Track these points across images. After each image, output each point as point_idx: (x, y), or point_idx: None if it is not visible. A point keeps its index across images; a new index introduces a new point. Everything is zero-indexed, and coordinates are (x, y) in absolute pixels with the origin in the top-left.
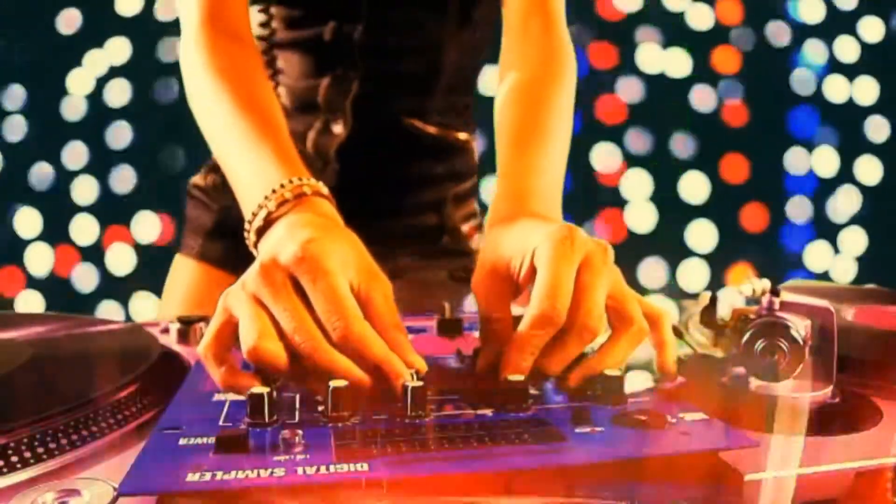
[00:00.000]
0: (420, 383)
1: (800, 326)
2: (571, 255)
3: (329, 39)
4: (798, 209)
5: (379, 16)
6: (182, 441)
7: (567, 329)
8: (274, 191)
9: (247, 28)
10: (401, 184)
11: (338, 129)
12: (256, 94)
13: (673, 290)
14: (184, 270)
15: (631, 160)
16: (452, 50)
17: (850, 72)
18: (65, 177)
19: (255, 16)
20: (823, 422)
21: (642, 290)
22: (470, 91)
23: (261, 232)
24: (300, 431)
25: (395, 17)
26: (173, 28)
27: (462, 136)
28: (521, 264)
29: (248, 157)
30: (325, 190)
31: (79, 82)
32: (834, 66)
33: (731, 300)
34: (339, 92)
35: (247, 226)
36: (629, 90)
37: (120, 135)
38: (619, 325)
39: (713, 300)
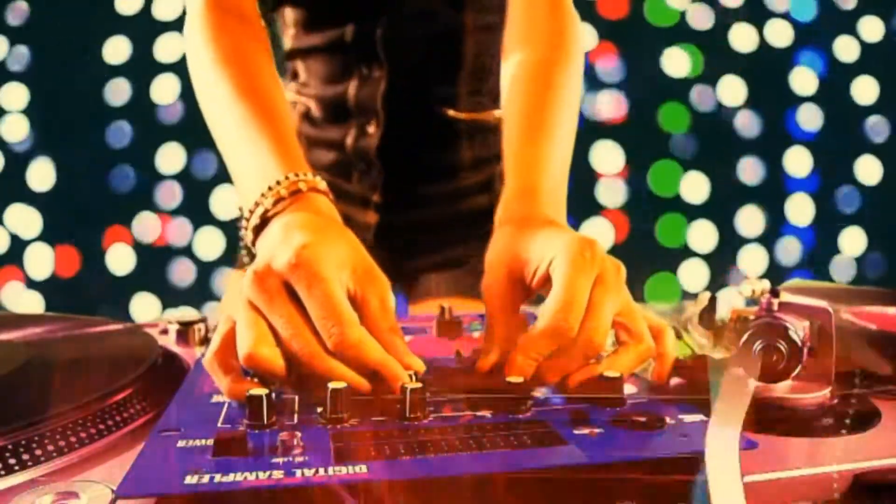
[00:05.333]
0: (419, 385)
1: (798, 327)
2: (589, 270)
3: (350, 40)
4: (798, 209)
5: (396, 10)
6: (180, 443)
7: (572, 342)
8: (270, 187)
9: (253, 8)
10: (445, 171)
11: (372, 129)
12: (257, 80)
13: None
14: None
15: (631, 160)
16: (470, 34)
17: (850, 72)
18: (65, 177)
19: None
20: (822, 423)
21: (642, 292)
22: (495, 71)
23: (258, 230)
24: (299, 433)
25: (411, 9)
26: (173, 26)
27: (496, 113)
28: (535, 270)
29: (245, 147)
30: (322, 185)
31: (79, 82)
32: (834, 66)
33: (730, 301)
34: (368, 92)
35: (243, 222)
36: (629, 90)
37: (120, 135)
38: (628, 341)
39: (712, 301)
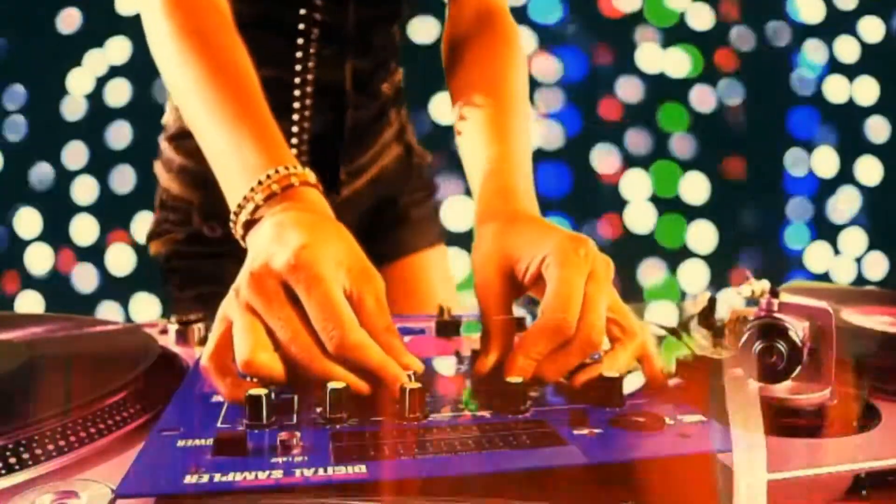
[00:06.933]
0: (418, 385)
1: (798, 328)
2: (583, 268)
3: (313, 15)
4: (798, 209)
5: None
6: (180, 443)
7: (570, 339)
8: (260, 182)
9: None
10: (378, 129)
11: (341, 109)
12: (226, 59)
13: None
14: None
15: (631, 160)
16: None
17: (850, 72)
18: (65, 177)
19: None
20: (822, 423)
21: (641, 292)
22: None
23: (248, 225)
24: (298, 433)
25: None
26: None
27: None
28: (527, 268)
29: (225, 137)
30: (312, 178)
31: (79, 82)
32: (834, 66)
33: (730, 301)
34: (333, 73)
35: (233, 217)
36: (629, 90)
37: (120, 135)
38: (622, 337)
39: (712, 301)
